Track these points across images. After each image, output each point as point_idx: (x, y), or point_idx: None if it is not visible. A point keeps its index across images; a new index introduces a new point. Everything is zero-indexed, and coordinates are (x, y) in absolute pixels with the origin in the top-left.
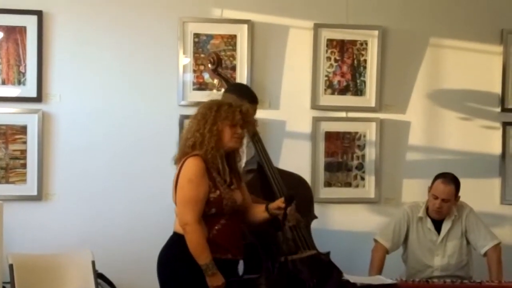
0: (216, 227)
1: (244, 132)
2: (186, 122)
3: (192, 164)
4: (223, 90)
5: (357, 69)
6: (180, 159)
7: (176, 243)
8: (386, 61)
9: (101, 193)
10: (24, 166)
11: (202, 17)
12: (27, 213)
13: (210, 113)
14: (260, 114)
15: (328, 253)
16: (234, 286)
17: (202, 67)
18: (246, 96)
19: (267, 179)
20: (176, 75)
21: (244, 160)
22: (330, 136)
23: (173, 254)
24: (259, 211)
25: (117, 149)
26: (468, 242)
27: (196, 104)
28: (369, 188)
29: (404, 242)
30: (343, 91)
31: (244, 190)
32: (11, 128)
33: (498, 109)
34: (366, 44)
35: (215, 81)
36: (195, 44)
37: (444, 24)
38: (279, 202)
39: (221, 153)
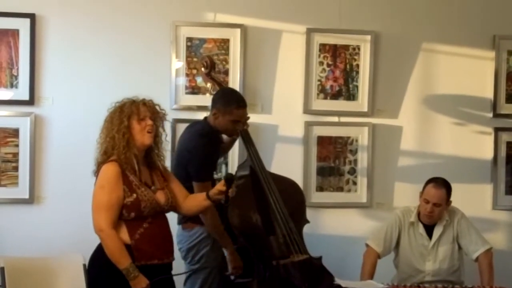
0: (139, 232)
1: (154, 126)
2: (179, 126)
3: (105, 171)
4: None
5: (350, 74)
6: (97, 169)
7: (101, 252)
8: (378, 66)
9: None
10: (16, 169)
11: (195, 21)
12: (19, 216)
13: (115, 115)
14: (253, 118)
15: (320, 258)
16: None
17: (194, 71)
18: (232, 104)
19: (260, 184)
20: (169, 79)
21: (236, 164)
22: (322, 141)
23: (99, 263)
24: (199, 200)
25: None
26: (459, 247)
27: (189, 108)
28: (361, 193)
29: (396, 247)
30: (336, 95)
31: (175, 186)
32: (3, 131)
33: (490, 115)
34: (359, 49)
35: (208, 85)
36: (188, 48)
37: (437, 29)
38: (220, 186)
39: (134, 152)
